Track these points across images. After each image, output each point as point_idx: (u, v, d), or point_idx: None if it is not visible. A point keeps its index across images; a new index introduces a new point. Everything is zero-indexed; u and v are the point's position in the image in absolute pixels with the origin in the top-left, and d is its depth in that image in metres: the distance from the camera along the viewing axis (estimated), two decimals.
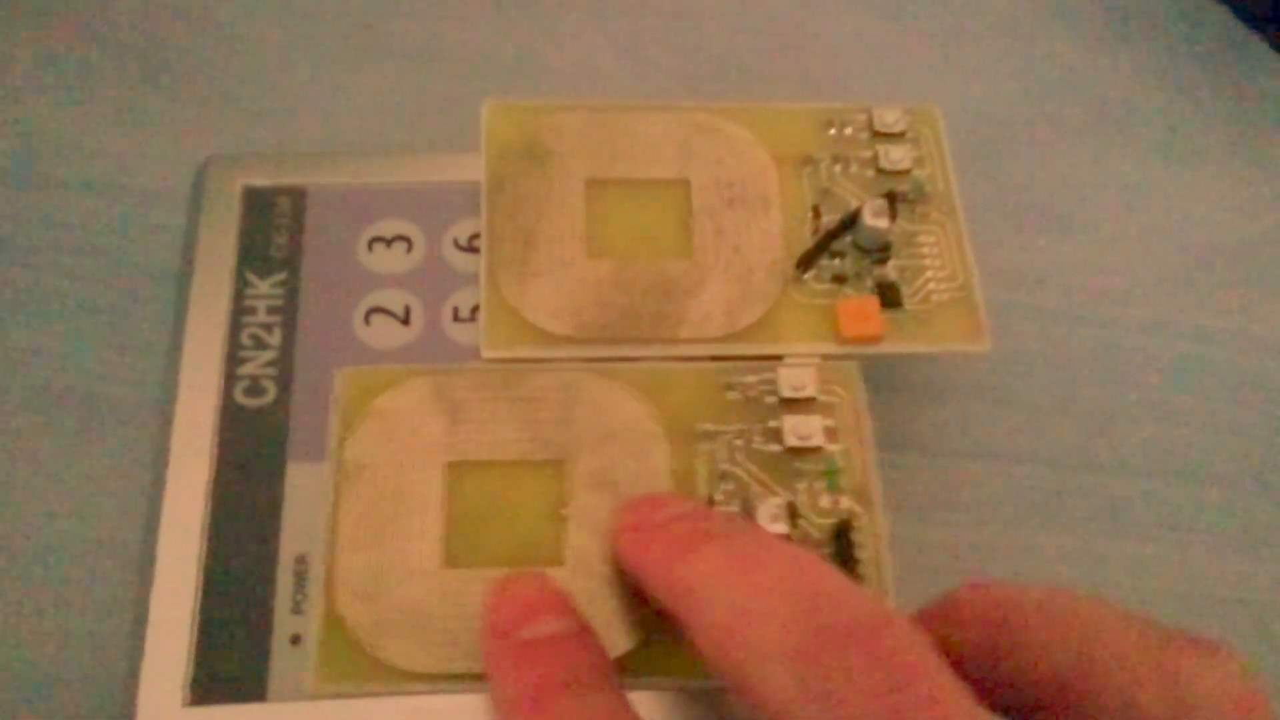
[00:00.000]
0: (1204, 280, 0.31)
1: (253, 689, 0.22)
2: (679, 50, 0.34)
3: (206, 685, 0.22)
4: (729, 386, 0.25)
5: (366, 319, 0.26)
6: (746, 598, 0.18)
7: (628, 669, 0.22)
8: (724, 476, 0.24)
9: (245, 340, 0.25)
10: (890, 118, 0.28)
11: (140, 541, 0.24)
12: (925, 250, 0.27)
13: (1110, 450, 0.29)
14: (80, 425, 0.27)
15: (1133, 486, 0.28)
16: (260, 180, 0.27)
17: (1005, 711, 0.18)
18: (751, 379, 0.25)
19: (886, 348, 0.26)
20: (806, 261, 0.26)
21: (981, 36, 0.35)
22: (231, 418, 0.25)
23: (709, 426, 0.24)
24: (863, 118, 0.28)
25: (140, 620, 0.23)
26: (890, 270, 0.27)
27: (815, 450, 0.24)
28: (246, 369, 0.25)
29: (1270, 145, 0.33)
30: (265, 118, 0.31)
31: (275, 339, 0.25)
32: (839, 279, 0.26)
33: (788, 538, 0.23)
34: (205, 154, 0.28)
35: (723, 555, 0.19)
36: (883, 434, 0.28)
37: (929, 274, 0.27)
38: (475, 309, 0.26)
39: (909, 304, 0.26)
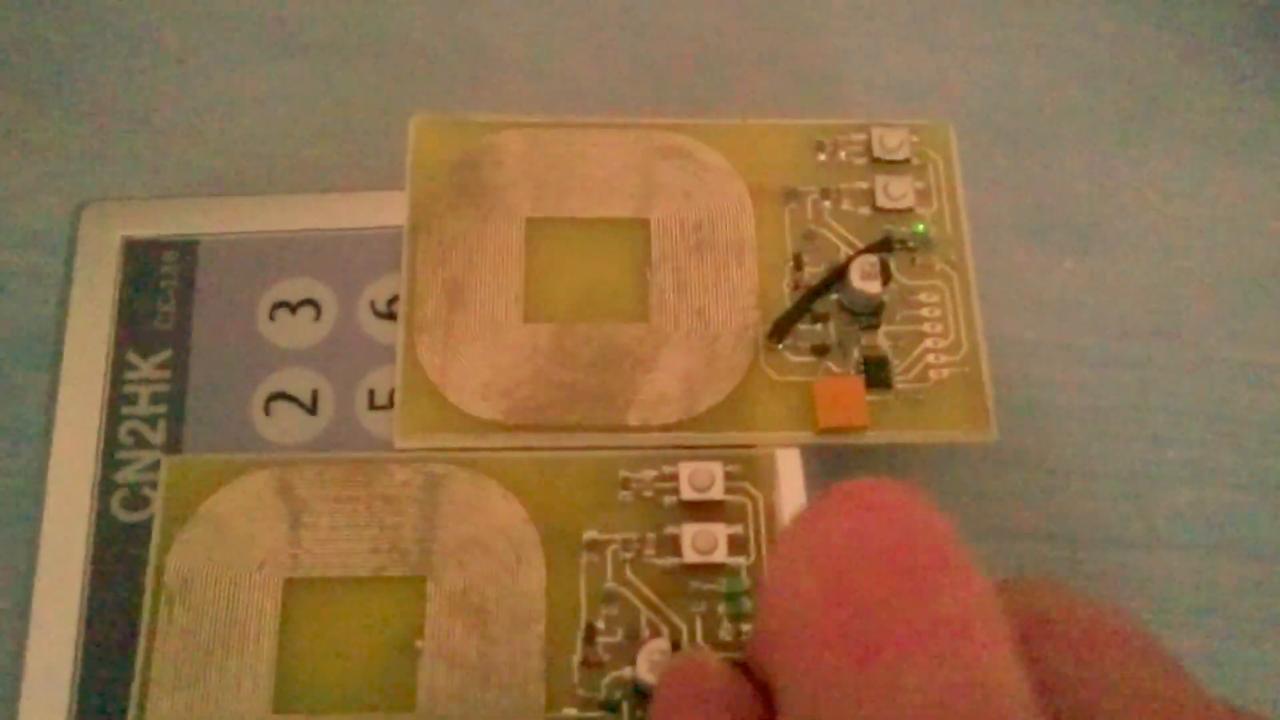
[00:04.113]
0: (1261, 306, 0.26)
1: None
2: (650, 38, 0.29)
3: None
4: (623, 484, 0.21)
5: (267, 407, 0.22)
6: None
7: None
8: (609, 598, 0.20)
9: (124, 437, 0.22)
10: (893, 142, 0.24)
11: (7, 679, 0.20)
12: (925, 313, 0.23)
13: (1142, 520, 0.25)
14: None
15: (1167, 564, 0.24)
16: (143, 230, 0.23)
17: None
18: (648, 474, 0.21)
19: (872, 438, 0.22)
20: (781, 329, 0.22)
21: (1000, 12, 0.29)
22: (106, 536, 0.21)
23: (595, 535, 0.21)
24: (860, 138, 0.24)
25: None
26: (881, 338, 0.22)
27: (717, 567, 0.21)
28: (125, 474, 0.22)
29: None
30: (165, 137, 0.27)
31: (159, 436, 0.22)
32: (820, 349, 0.22)
33: None
34: (90, 186, 0.24)
35: None
36: None
37: (927, 343, 0.22)
38: (394, 393, 0.22)
39: (901, 382, 0.22)
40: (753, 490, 0.21)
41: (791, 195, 0.23)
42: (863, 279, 0.22)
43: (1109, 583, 0.24)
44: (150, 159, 0.27)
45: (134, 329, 0.23)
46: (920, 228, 0.23)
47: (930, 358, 0.22)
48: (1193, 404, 0.26)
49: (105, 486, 0.21)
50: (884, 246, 0.23)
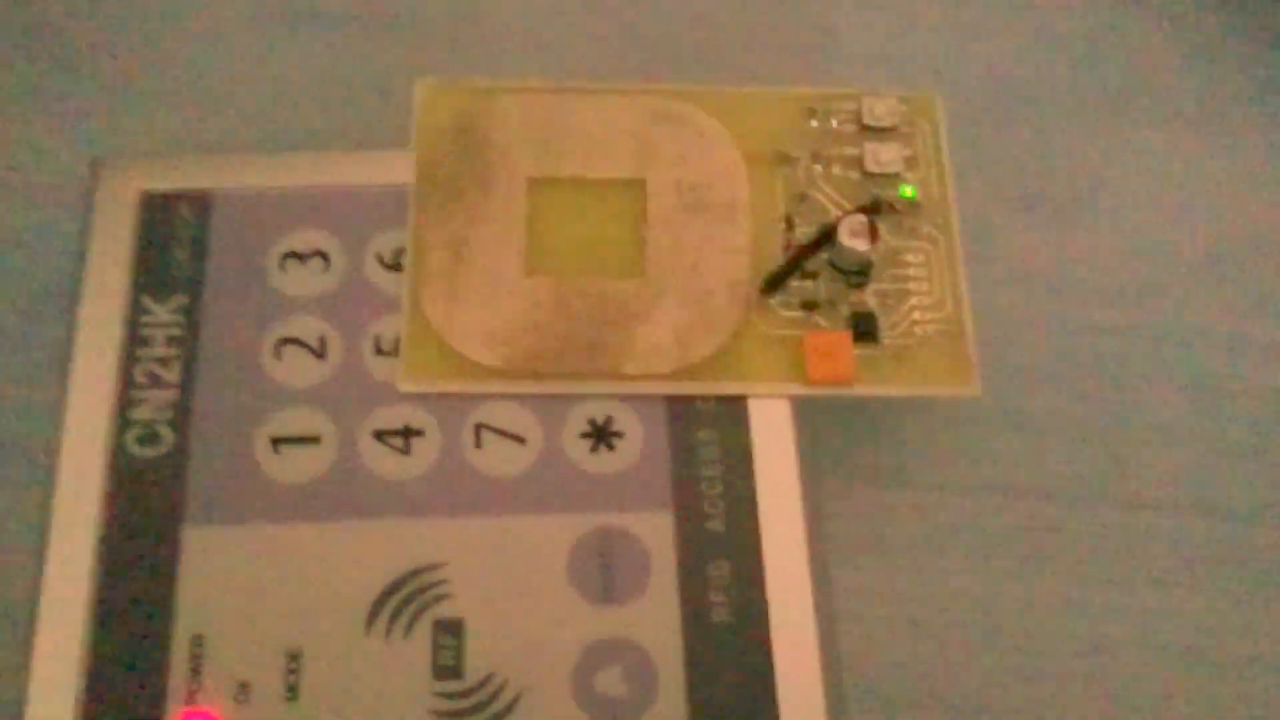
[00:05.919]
0: (1238, 278, 0.27)
1: None
2: (649, 9, 0.30)
3: None
4: None
5: (277, 351, 0.23)
6: None
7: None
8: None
9: (140, 378, 0.23)
10: (881, 109, 0.25)
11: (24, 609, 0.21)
12: (912, 272, 0.24)
13: (1122, 481, 0.25)
14: None
15: (1147, 523, 0.25)
16: (159, 184, 0.24)
17: None
18: None
19: (859, 390, 0.23)
20: (774, 284, 0.23)
21: None
22: (122, 471, 0.22)
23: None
24: (851, 107, 0.25)
25: (19, 709, 0.20)
26: (869, 296, 0.23)
27: None
28: (140, 413, 0.22)
29: None
30: (177, 98, 0.28)
31: (173, 376, 0.23)
32: (810, 305, 0.23)
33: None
34: (105, 144, 0.25)
35: None
36: (860, 467, 0.25)
37: (914, 300, 0.23)
38: (398, 340, 0.23)
39: (888, 337, 0.23)
40: None
41: (784, 160, 0.24)
42: (852, 237, 0.23)
43: (1087, 540, 0.25)
44: (165, 118, 0.28)
45: (149, 276, 0.23)
46: (907, 191, 0.24)
47: (916, 315, 0.23)
48: (1171, 370, 0.26)
49: (121, 424, 0.22)
50: (873, 208, 0.24)
